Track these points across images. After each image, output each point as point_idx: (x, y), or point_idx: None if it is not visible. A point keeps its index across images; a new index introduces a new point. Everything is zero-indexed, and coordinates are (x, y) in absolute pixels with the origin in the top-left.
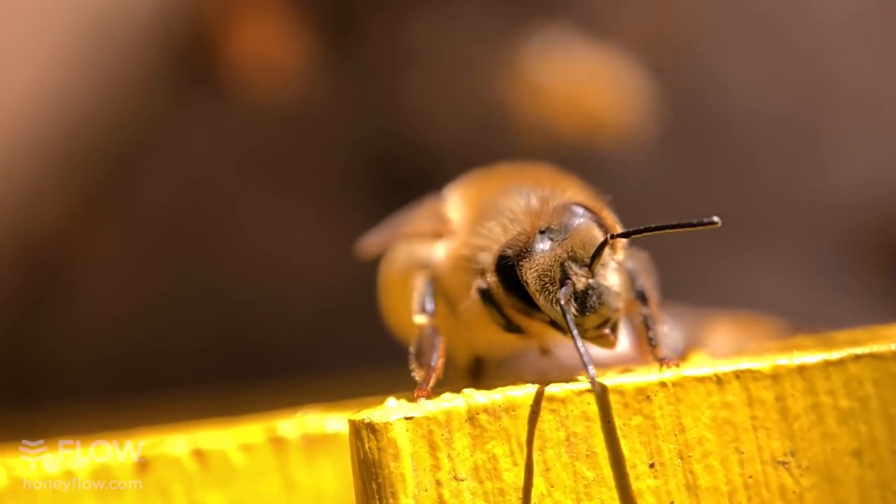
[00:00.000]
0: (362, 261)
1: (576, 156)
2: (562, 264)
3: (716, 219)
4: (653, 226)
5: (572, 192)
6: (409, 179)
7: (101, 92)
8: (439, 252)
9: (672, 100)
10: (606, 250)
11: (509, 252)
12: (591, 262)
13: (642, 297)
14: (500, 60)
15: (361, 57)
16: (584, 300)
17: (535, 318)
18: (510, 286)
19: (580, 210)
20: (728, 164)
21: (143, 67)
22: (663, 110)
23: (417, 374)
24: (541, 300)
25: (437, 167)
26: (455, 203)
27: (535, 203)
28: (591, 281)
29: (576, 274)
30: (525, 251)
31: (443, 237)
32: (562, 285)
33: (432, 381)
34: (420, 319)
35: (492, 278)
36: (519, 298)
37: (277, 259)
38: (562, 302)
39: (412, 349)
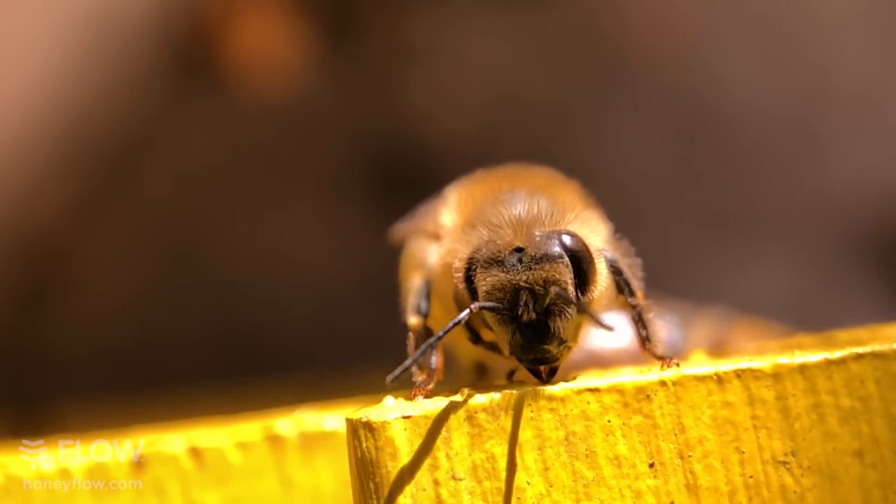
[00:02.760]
0: (393, 247)
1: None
2: (517, 291)
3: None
4: (585, 308)
5: (569, 203)
6: (407, 176)
7: (99, 88)
8: (433, 256)
9: (673, 98)
10: (572, 293)
11: (476, 257)
12: (545, 300)
13: (627, 290)
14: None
15: (360, 54)
16: (525, 335)
17: (489, 328)
18: (471, 293)
19: (565, 239)
20: (729, 162)
21: (142, 63)
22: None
23: (417, 376)
24: (486, 313)
25: (436, 164)
26: (450, 205)
27: (522, 217)
28: (538, 318)
29: (526, 307)
30: (490, 262)
31: (437, 240)
32: (511, 309)
33: (432, 383)
34: (413, 321)
35: (461, 283)
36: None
37: (276, 255)
38: (472, 309)
39: (410, 352)
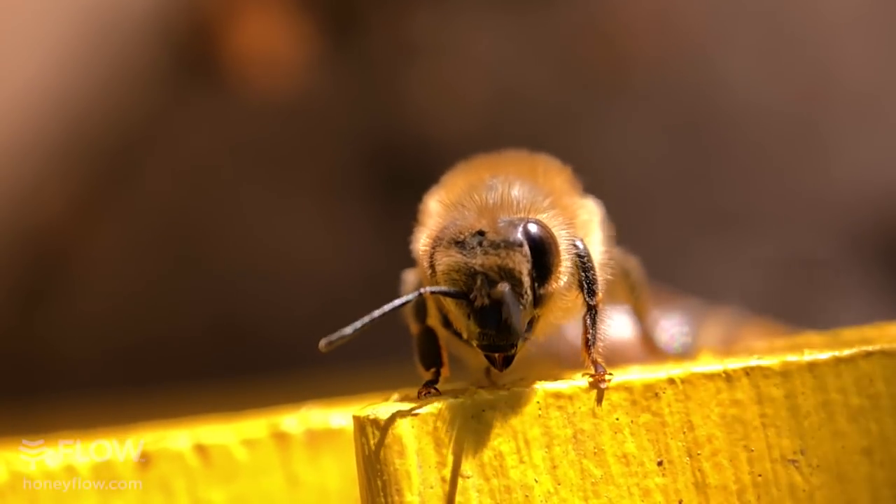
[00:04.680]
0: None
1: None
2: (472, 274)
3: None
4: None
5: (550, 189)
6: (409, 174)
7: (101, 86)
8: (417, 243)
9: (675, 96)
10: (527, 283)
11: (439, 239)
12: (500, 290)
13: (587, 290)
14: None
15: (362, 51)
16: (478, 320)
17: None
18: (433, 272)
19: (531, 227)
20: (731, 160)
21: (144, 61)
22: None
23: (424, 375)
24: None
25: (438, 162)
26: (440, 192)
27: (490, 202)
28: (492, 305)
29: (479, 292)
30: (450, 242)
31: (421, 227)
32: (467, 291)
33: (439, 381)
34: (412, 325)
35: (426, 264)
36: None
37: (278, 253)
38: (421, 292)
39: (415, 354)
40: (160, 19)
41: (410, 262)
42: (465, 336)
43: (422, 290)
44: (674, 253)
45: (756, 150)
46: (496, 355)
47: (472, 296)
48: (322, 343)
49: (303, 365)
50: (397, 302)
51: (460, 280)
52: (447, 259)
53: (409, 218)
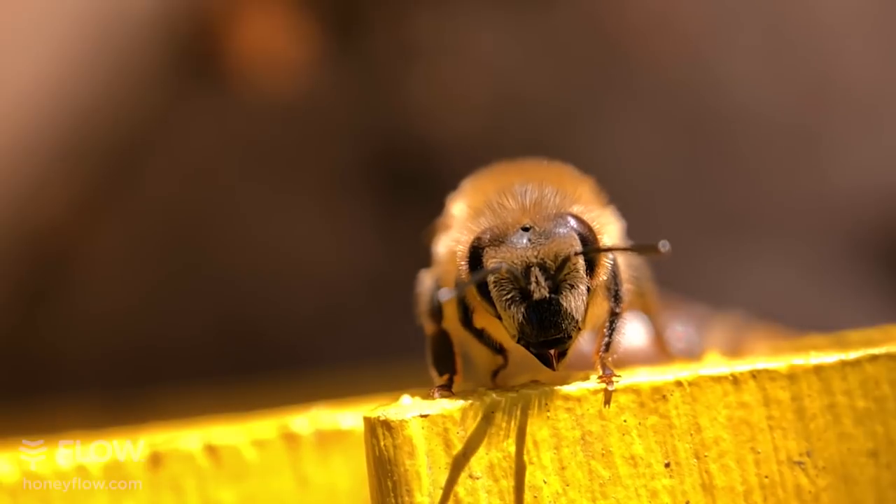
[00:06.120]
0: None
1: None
2: (528, 267)
3: (661, 246)
4: (609, 246)
5: (577, 197)
6: (411, 174)
7: (103, 86)
8: (441, 247)
9: (676, 97)
10: (582, 271)
11: (483, 237)
12: (557, 276)
13: (614, 297)
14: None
15: (365, 51)
16: (537, 313)
17: (491, 313)
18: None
19: (571, 221)
20: (731, 162)
21: (146, 61)
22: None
23: (437, 380)
24: (493, 292)
25: (440, 162)
26: (461, 197)
27: (528, 202)
28: (550, 296)
29: (538, 283)
30: (497, 241)
31: (447, 231)
32: (521, 289)
33: (451, 384)
34: (428, 325)
35: (463, 265)
36: (478, 287)
37: (280, 253)
38: (501, 267)
39: (428, 356)
40: (163, 20)
41: (412, 261)
42: (516, 339)
43: (500, 265)
44: (676, 255)
45: (758, 153)
46: (551, 352)
47: (530, 289)
48: (441, 295)
49: (304, 365)
50: (477, 277)
51: (515, 277)
52: (501, 256)
53: (410, 218)
